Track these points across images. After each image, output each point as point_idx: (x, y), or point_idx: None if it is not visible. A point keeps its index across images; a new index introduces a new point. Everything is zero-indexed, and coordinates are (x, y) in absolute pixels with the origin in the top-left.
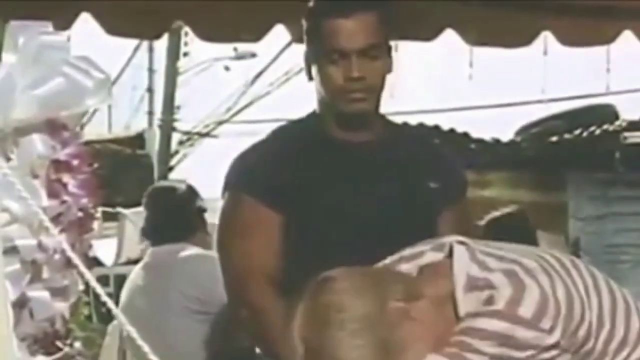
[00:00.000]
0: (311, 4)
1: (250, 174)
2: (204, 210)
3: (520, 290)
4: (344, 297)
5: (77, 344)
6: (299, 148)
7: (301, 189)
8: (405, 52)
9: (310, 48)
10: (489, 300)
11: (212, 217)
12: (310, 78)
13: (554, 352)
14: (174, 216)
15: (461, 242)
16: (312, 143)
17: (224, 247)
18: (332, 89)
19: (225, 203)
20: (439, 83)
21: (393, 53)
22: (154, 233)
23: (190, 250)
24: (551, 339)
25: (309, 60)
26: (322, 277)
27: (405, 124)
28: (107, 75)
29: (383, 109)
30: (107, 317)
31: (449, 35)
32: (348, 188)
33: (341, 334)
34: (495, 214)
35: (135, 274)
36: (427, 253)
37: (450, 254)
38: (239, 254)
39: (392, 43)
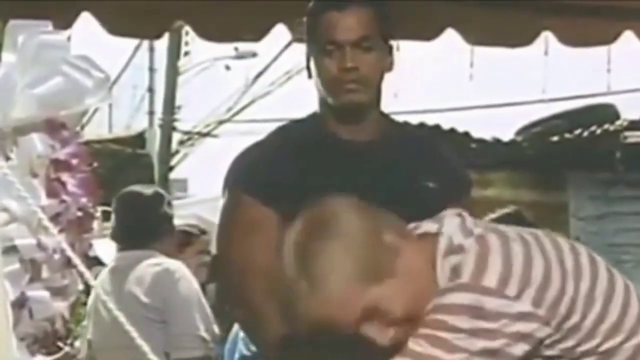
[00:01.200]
0: (311, 3)
1: (249, 173)
2: (170, 216)
3: (484, 257)
4: (344, 214)
5: (78, 344)
6: (298, 147)
7: (300, 188)
8: (406, 52)
9: (309, 45)
10: (456, 273)
11: (214, 216)
12: (310, 75)
13: (533, 325)
14: (138, 221)
15: (458, 214)
16: (312, 142)
17: (223, 246)
18: (327, 80)
19: (225, 202)
20: (440, 83)
21: (394, 53)
22: (119, 237)
23: (155, 259)
24: (520, 306)
25: (309, 57)
26: (323, 198)
27: (406, 124)
28: (107, 74)
29: (384, 109)
30: None
31: (450, 35)
32: (347, 187)
33: (335, 246)
34: (492, 216)
35: (102, 276)
36: (424, 224)
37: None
38: (238, 253)
39: (393, 43)
